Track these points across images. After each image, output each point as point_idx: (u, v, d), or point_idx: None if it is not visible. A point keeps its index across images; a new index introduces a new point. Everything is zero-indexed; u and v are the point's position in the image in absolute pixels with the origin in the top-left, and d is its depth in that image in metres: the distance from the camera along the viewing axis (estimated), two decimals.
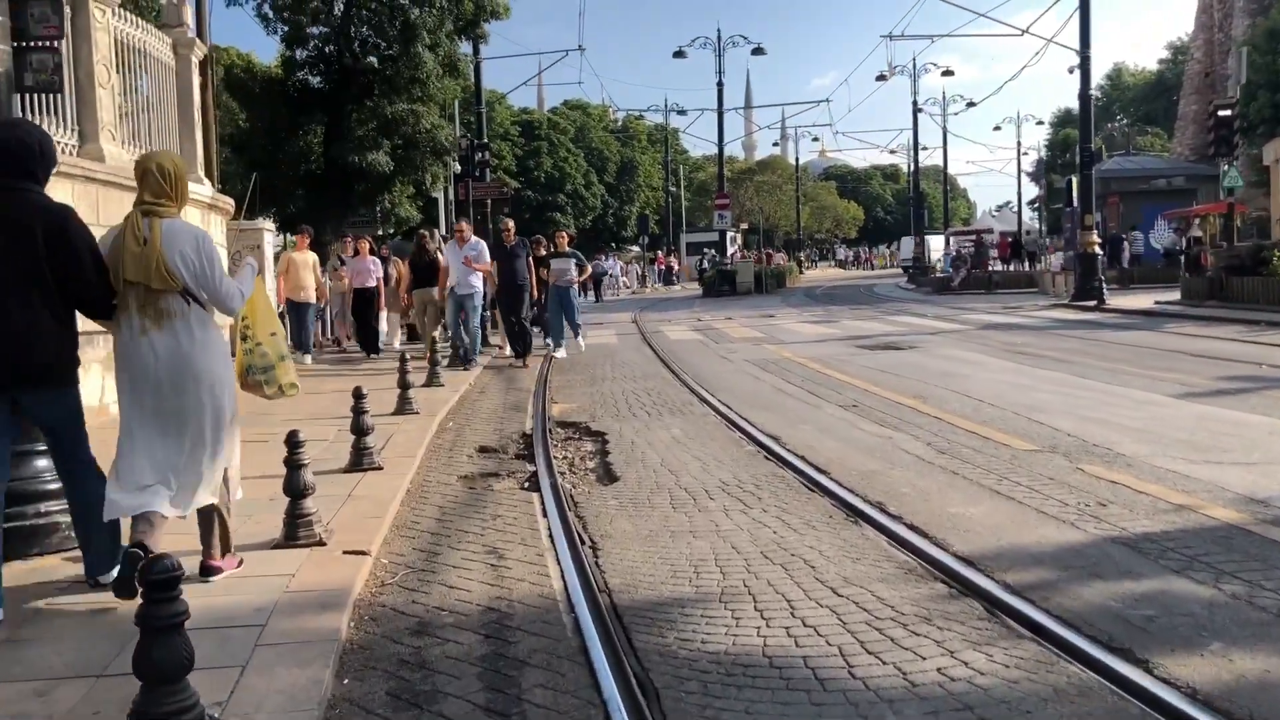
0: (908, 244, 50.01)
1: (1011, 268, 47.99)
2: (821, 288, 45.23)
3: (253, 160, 22.11)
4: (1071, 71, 26.62)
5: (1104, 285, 21.93)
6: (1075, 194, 24.98)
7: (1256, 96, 37.79)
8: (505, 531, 5.61)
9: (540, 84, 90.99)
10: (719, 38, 38.81)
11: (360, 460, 6.89)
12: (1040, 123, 78.98)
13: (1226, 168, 19.50)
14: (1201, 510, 5.48)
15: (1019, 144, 69.10)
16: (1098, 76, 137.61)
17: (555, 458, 7.67)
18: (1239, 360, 11.84)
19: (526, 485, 6.82)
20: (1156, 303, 21.14)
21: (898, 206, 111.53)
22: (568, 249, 16.11)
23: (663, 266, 55.35)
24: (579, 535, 5.41)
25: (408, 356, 9.84)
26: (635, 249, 68.15)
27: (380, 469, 6.87)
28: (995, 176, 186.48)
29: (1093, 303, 22.27)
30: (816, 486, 6.39)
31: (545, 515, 5.89)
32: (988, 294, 31.86)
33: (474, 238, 14.20)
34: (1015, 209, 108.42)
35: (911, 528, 5.38)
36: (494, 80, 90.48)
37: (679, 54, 38.93)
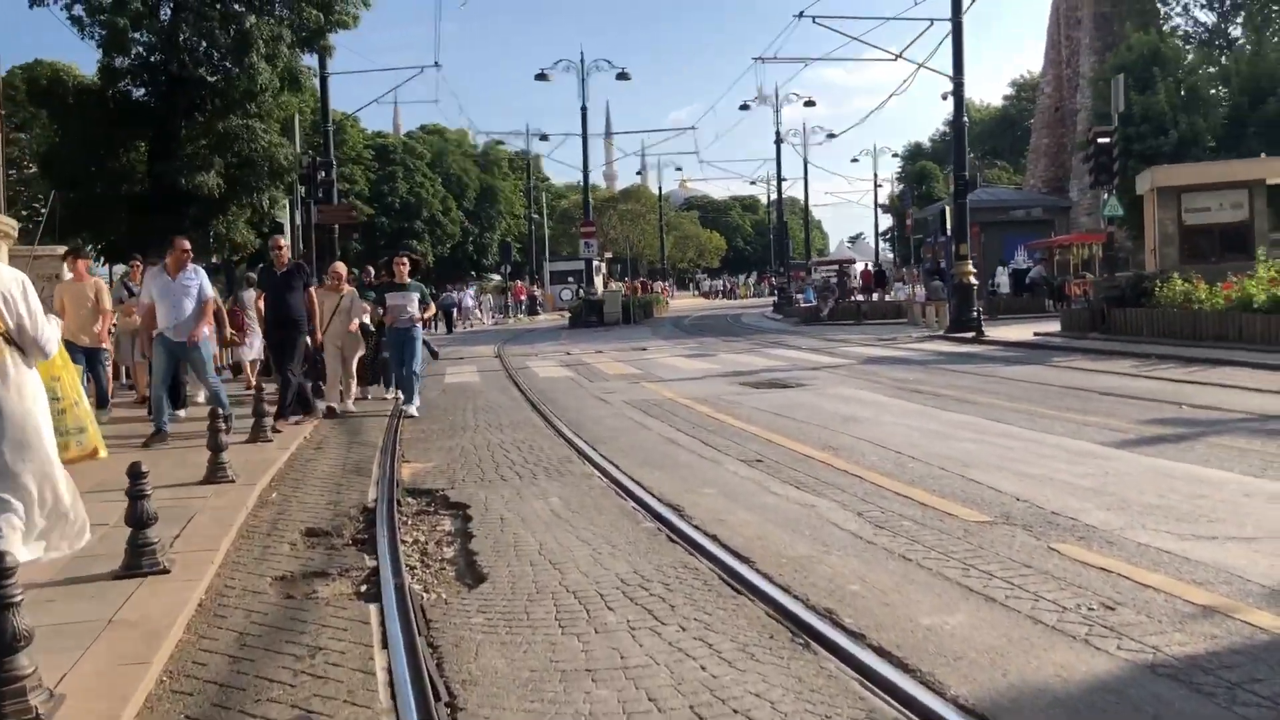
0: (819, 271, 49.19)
1: (875, 297, 48.26)
2: (689, 318, 44.37)
3: (63, 178, 19.72)
4: (945, 98, 26.38)
5: (981, 316, 21.38)
6: (949, 223, 24.57)
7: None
8: (327, 678, 4.01)
9: (396, 105, 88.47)
10: (582, 61, 37.73)
11: (138, 560, 5.17)
12: (895, 155, 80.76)
13: (1106, 196, 19.22)
14: (1237, 615, 4.29)
15: (875, 176, 70.31)
16: (944, 112, 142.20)
17: (403, 543, 6.08)
18: (1155, 400, 11.03)
19: (364, 590, 5.22)
20: (1036, 334, 20.69)
21: (757, 237, 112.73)
22: (408, 280, 12.78)
23: (522, 297, 53.44)
24: (431, 681, 3.86)
25: (223, 415, 8.03)
26: (497, 278, 66.36)
27: (166, 571, 5.17)
28: (848, 209, 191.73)
29: (970, 334, 21.74)
30: (741, 583, 4.99)
31: (385, 646, 4.31)
32: (857, 325, 31.37)
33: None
34: (869, 240, 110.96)
35: (882, 653, 4.03)
36: (346, 99, 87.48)
37: (541, 76, 37.62)
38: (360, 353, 13.10)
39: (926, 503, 6.58)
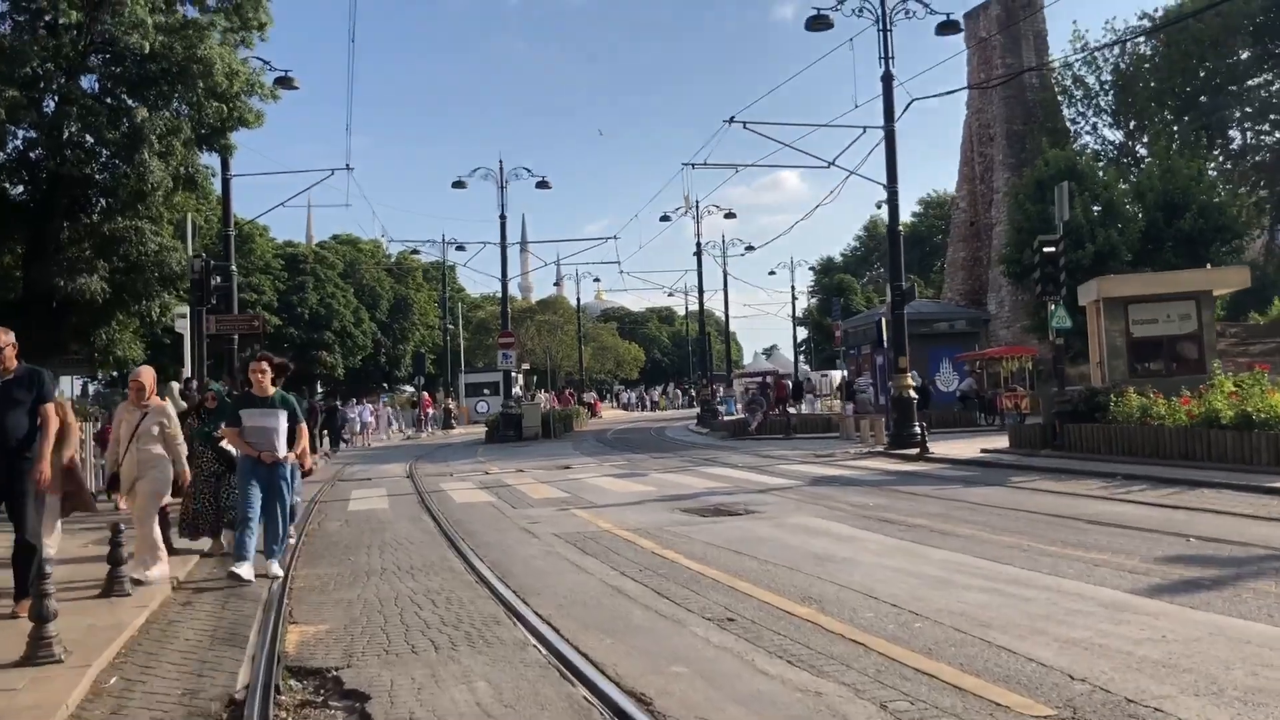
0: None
1: (795, 411, 47.49)
2: (611, 431, 42.88)
3: None
4: (880, 206, 25.90)
5: (926, 433, 20.34)
6: (886, 334, 23.75)
7: (1030, 243, 38.81)
8: None
9: (309, 212, 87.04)
10: (501, 169, 36.79)
11: None
12: (812, 268, 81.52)
13: (1053, 307, 18.51)
14: None
15: (793, 288, 70.44)
16: (855, 229, 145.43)
17: None
18: (1154, 530, 9.83)
19: None
20: (984, 450, 19.66)
21: (673, 349, 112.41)
22: (271, 390, 9.36)
23: (429, 410, 51.02)
24: None
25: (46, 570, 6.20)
26: (410, 389, 64.25)
27: None
28: (761, 321, 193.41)
29: (914, 451, 20.63)
30: None
31: None
32: (787, 439, 30.20)
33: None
34: (782, 352, 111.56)
35: None
36: (257, 206, 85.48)
37: (458, 184, 36.57)
38: (163, 501, 9.40)
39: (960, 685, 5.14)
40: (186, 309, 20.94)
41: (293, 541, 10.51)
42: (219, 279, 16.26)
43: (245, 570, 8.66)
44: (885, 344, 24.03)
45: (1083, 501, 12.36)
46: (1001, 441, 21.06)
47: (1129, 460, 15.84)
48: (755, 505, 13.23)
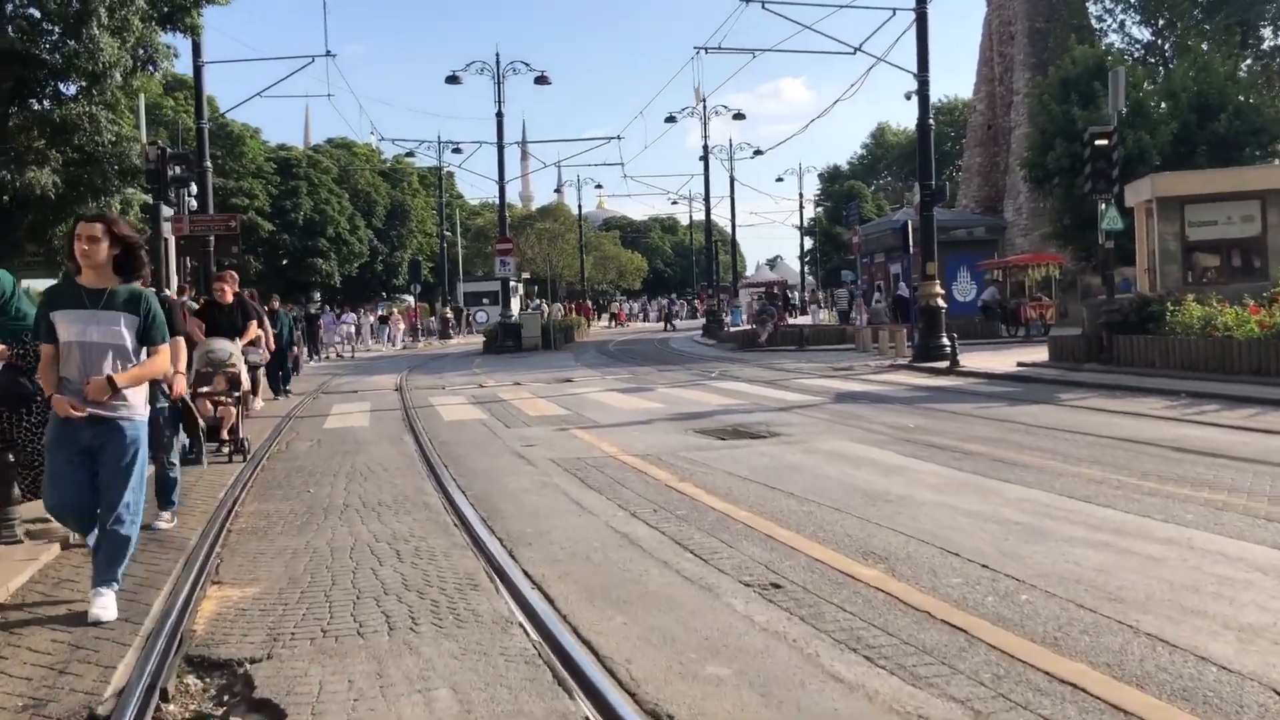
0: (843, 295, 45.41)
1: (797, 320, 45.88)
2: (613, 342, 41.27)
3: None
4: (909, 98, 23.84)
5: (956, 344, 18.70)
6: (912, 238, 21.99)
7: (1055, 146, 36.83)
8: None
9: (307, 114, 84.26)
10: (498, 63, 34.53)
11: None
12: (821, 175, 79.14)
13: (1104, 206, 16.70)
14: None
15: (801, 195, 68.19)
16: (861, 136, 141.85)
17: None
18: (1262, 462, 8.25)
19: None
20: (1020, 364, 18.08)
21: (676, 259, 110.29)
22: (110, 281, 5.27)
23: (412, 321, 49.01)
24: None
25: None
26: (409, 298, 62.54)
27: None
28: (764, 230, 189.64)
29: (943, 364, 19.05)
30: None
31: None
32: (800, 351, 28.67)
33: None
34: (787, 263, 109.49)
35: None
36: (236, 100, 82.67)
37: (453, 79, 34.36)
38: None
39: (1123, 705, 3.60)
40: (170, 210, 19.21)
41: (168, 523, 7.19)
42: (178, 169, 14.47)
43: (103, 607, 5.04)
44: (911, 249, 22.25)
45: (1153, 424, 10.79)
46: (1036, 354, 19.48)
47: (1189, 375, 14.25)
48: (778, 426, 11.66)
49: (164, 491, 7.35)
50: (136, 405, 5.18)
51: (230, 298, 11.78)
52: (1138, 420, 11.16)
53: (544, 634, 4.59)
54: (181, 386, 6.56)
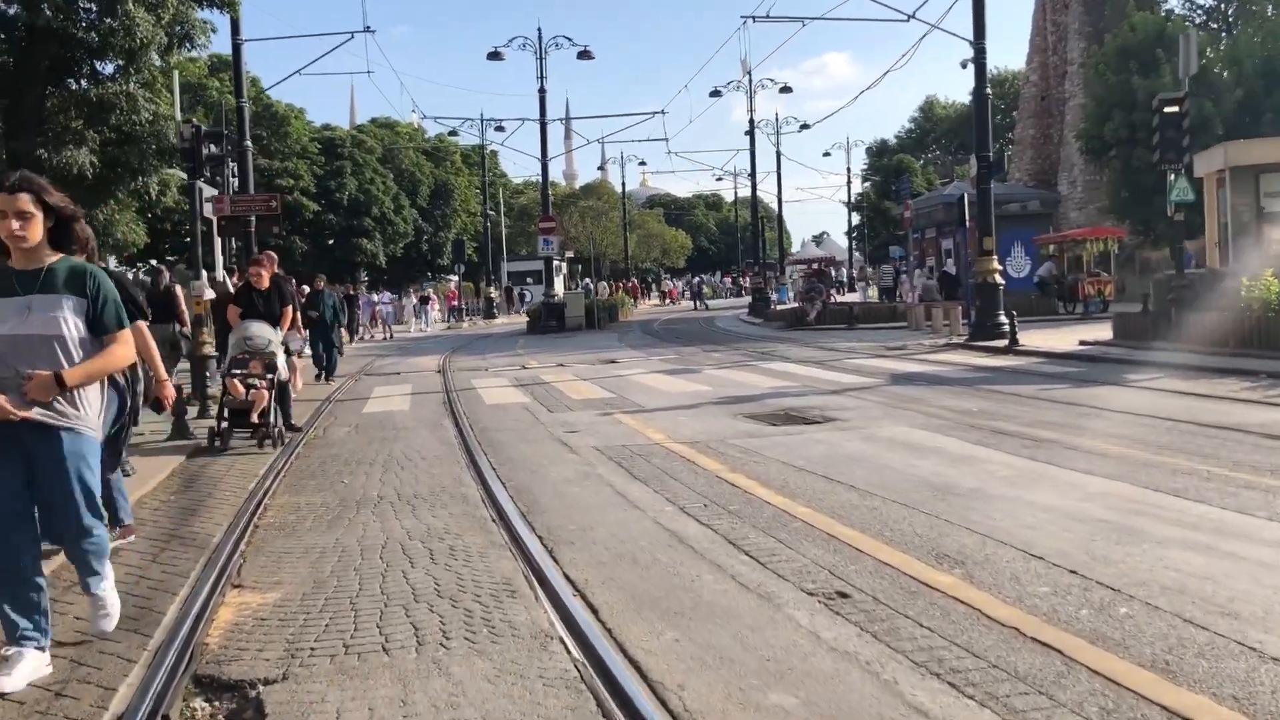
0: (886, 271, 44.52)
1: (845, 298, 45.05)
2: (658, 321, 40.79)
3: None
4: (965, 66, 23.06)
5: (1015, 322, 17.99)
6: (966, 212, 21.25)
7: (1112, 117, 35.74)
8: None
9: (353, 98, 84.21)
10: (540, 38, 33.99)
11: None
12: (869, 148, 77.91)
13: (1174, 177, 15.90)
14: None
15: (849, 170, 67.15)
16: (909, 110, 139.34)
17: None
18: None
19: None
20: (1082, 342, 17.36)
21: (721, 236, 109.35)
22: (47, 258, 7.02)
23: (454, 303, 48.43)
24: None
25: None
26: (453, 278, 62.40)
27: None
28: (809, 207, 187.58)
29: (1001, 343, 18.35)
30: None
31: None
32: (850, 330, 27.98)
33: None
34: (833, 239, 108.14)
35: None
36: (272, 76, 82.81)
37: (495, 55, 33.88)
38: None
39: None
40: (212, 190, 18.98)
41: (124, 542, 6.12)
42: (213, 147, 14.17)
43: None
44: (967, 223, 21.50)
45: (1235, 407, 10.14)
46: (1098, 332, 18.72)
47: (1267, 355, 13.49)
48: (833, 410, 11.13)
49: (112, 508, 5.84)
50: (87, 413, 4.11)
51: (267, 282, 11.34)
52: (1217, 403, 10.50)
53: (587, 651, 4.14)
54: (169, 394, 5.63)
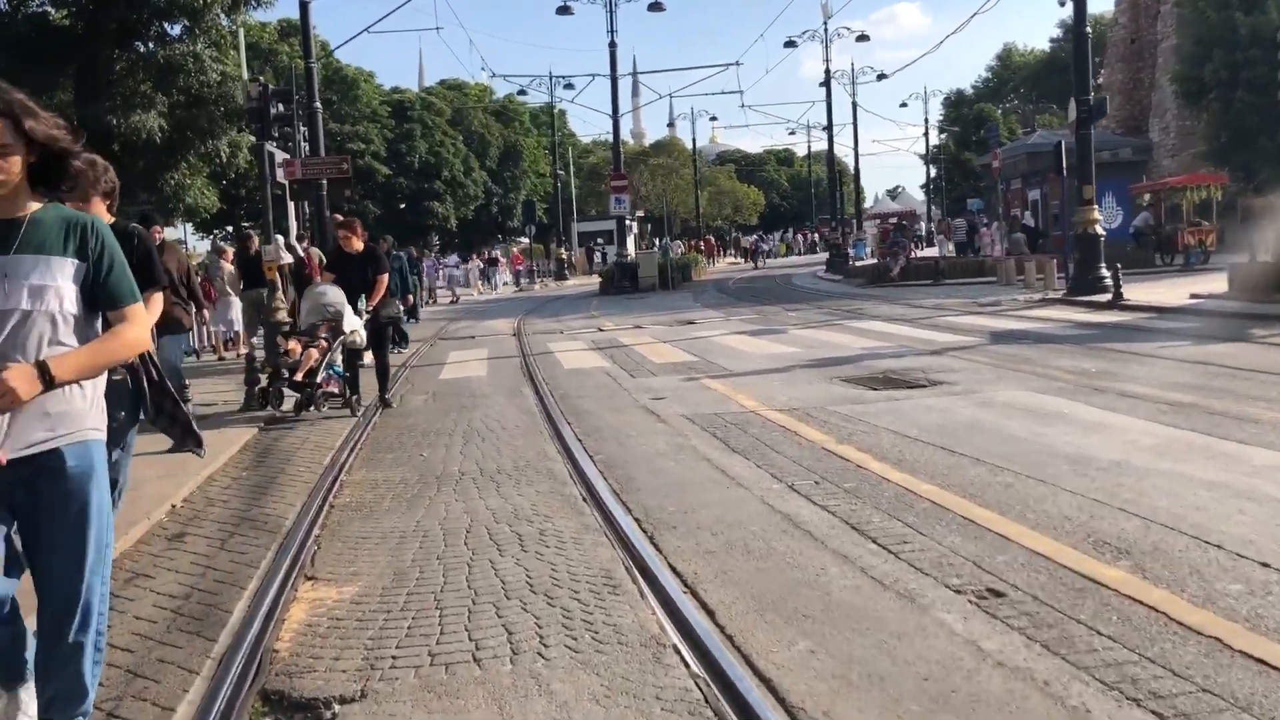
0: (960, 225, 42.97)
1: (925, 252, 43.58)
2: (733, 280, 39.99)
3: None
4: (1063, 4, 21.77)
5: (1119, 275, 16.96)
6: (1064, 160, 20.12)
7: (1212, 57, 33.85)
8: None
9: (420, 56, 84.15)
10: None
11: None
12: (948, 98, 75.74)
13: None
14: None
15: (926, 120, 65.24)
16: (985, 59, 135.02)
17: None
18: None
19: None
20: (1193, 296, 16.28)
21: (793, 191, 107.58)
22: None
23: (519, 266, 47.53)
24: None
25: None
26: (524, 240, 62.10)
27: None
28: (884, 159, 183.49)
29: (1103, 297, 17.35)
30: None
31: None
32: (935, 285, 26.96)
33: None
34: (909, 193, 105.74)
35: None
36: (340, 37, 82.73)
37: (564, 10, 33.17)
38: None
39: None
40: (283, 154, 18.70)
41: None
42: (280, 106, 13.75)
43: None
44: (1064, 171, 20.37)
45: None
46: (1208, 284, 17.56)
47: None
48: (937, 372, 10.39)
49: None
50: (88, 413, 2.93)
51: (357, 245, 10.49)
52: None
53: (707, 664, 3.56)
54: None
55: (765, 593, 4.28)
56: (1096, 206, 18.83)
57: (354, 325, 9.85)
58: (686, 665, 3.61)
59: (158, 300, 4.50)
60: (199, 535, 5.64)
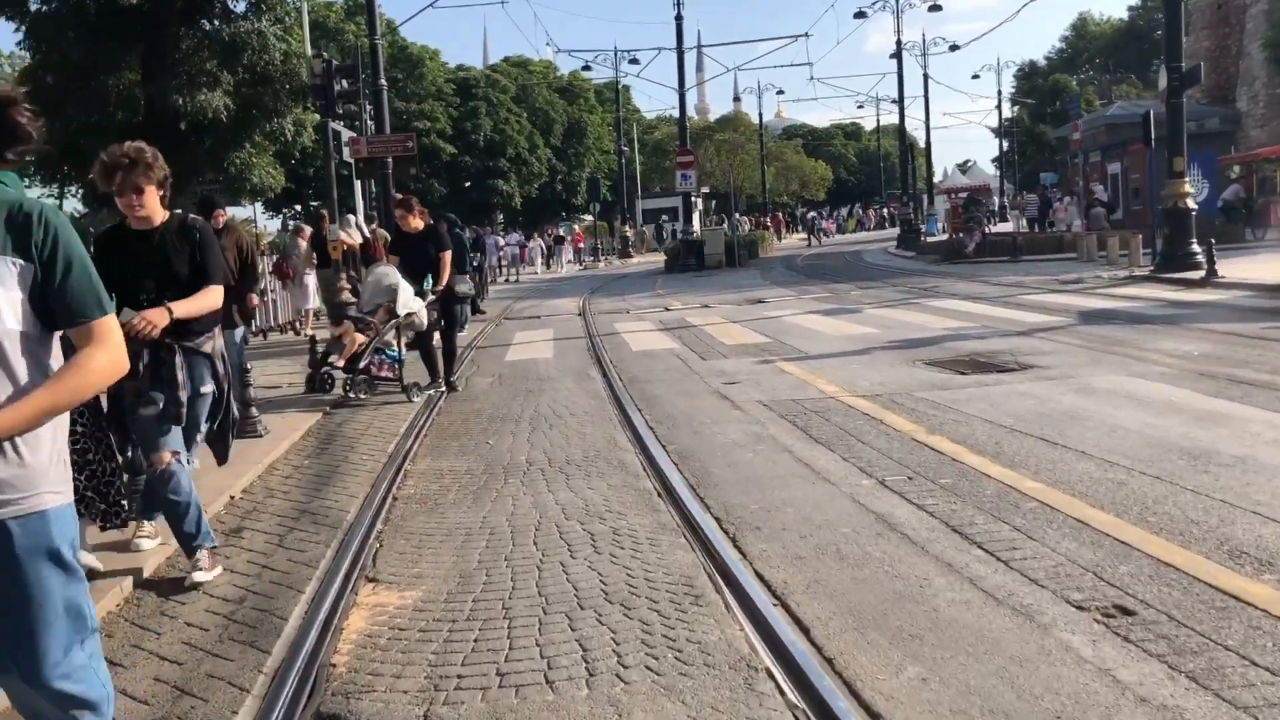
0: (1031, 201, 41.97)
1: (998, 228, 42.43)
2: (800, 257, 39.30)
3: (41, 105, 15.71)
4: None
5: (1213, 251, 16.14)
6: (1153, 130, 19.23)
7: None
8: None
9: (485, 32, 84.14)
10: None
11: None
12: (1020, 70, 73.81)
13: None
14: None
15: (1000, 92, 63.56)
16: (1061, 27, 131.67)
17: None
18: None
19: None
20: None
21: (861, 166, 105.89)
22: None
23: (579, 245, 47.03)
24: None
25: None
26: (588, 218, 61.82)
27: None
28: (954, 132, 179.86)
29: (1195, 274, 16.54)
30: None
31: None
32: (1013, 262, 26.10)
33: None
34: (980, 167, 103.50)
35: None
36: (411, 27, 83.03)
37: None
38: None
39: None
40: (349, 132, 18.57)
41: (207, 573, 4.61)
42: (345, 82, 13.51)
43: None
44: (1153, 142, 19.47)
45: None
46: None
47: None
48: (1027, 355, 9.84)
49: (186, 521, 4.58)
50: (45, 470, 2.23)
51: (416, 223, 10.07)
52: None
53: (806, 693, 3.19)
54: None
55: (864, 607, 3.89)
56: (1188, 179, 17.92)
57: (412, 307, 9.56)
58: (782, 693, 3.24)
59: (217, 294, 4.57)
60: (257, 530, 5.39)
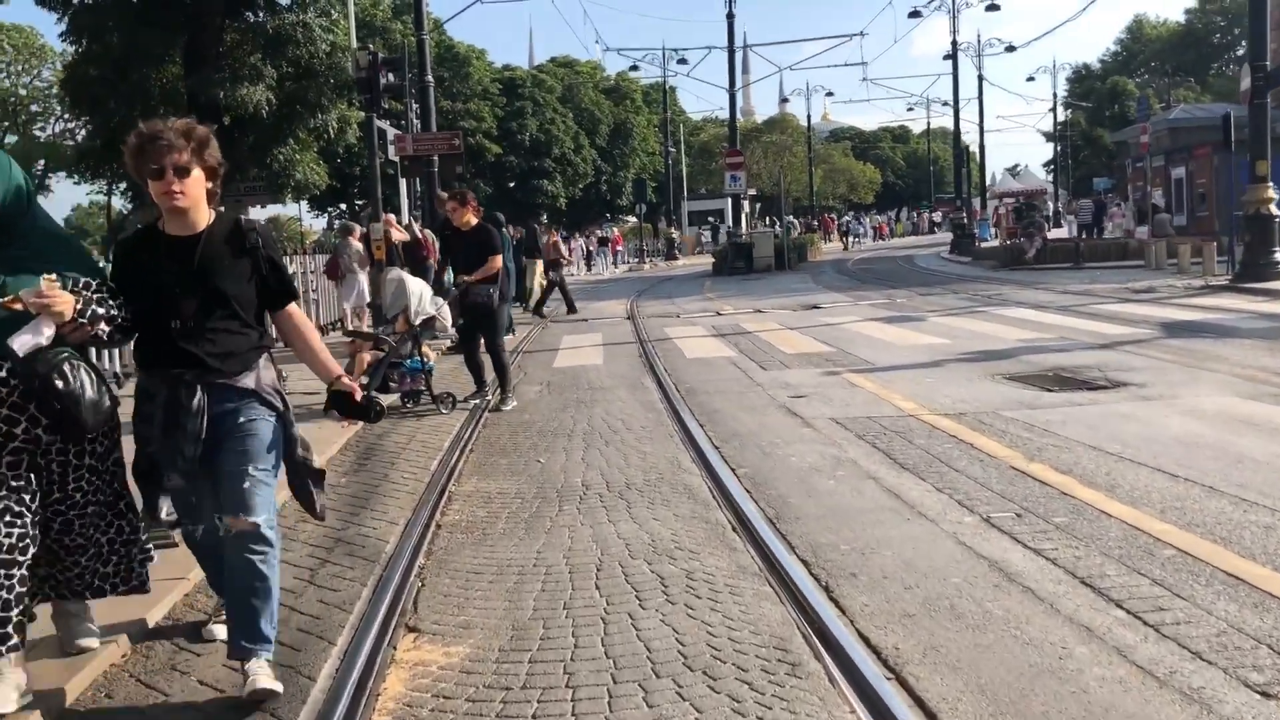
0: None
1: (1053, 233, 41.34)
2: (850, 261, 38.50)
3: (84, 100, 15.43)
4: None
5: None
6: (1233, 132, 18.34)
7: None
8: None
9: (530, 33, 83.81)
10: None
11: None
12: (1077, 72, 72.35)
13: None
14: None
15: (1055, 94, 62.19)
16: (1116, 30, 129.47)
17: None
18: None
19: None
20: None
21: (909, 170, 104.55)
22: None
23: (619, 247, 46.42)
24: None
25: None
26: (633, 219, 61.29)
27: None
28: (1004, 135, 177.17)
29: (1277, 285, 15.66)
30: None
31: None
32: (1076, 269, 25.21)
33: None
34: (1031, 170, 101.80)
35: None
36: (458, 24, 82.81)
37: None
38: None
39: None
40: (394, 130, 18.16)
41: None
42: (390, 76, 13.04)
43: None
44: (1233, 144, 18.58)
45: None
46: None
47: None
48: (1115, 371, 9.11)
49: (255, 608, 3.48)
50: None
51: (469, 219, 9.19)
52: None
53: None
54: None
55: (997, 684, 3.25)
56: (1271, 184, 17.01)
57: (429, 311, 9.01)
58: None
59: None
60: (287, 563, 4.81)
